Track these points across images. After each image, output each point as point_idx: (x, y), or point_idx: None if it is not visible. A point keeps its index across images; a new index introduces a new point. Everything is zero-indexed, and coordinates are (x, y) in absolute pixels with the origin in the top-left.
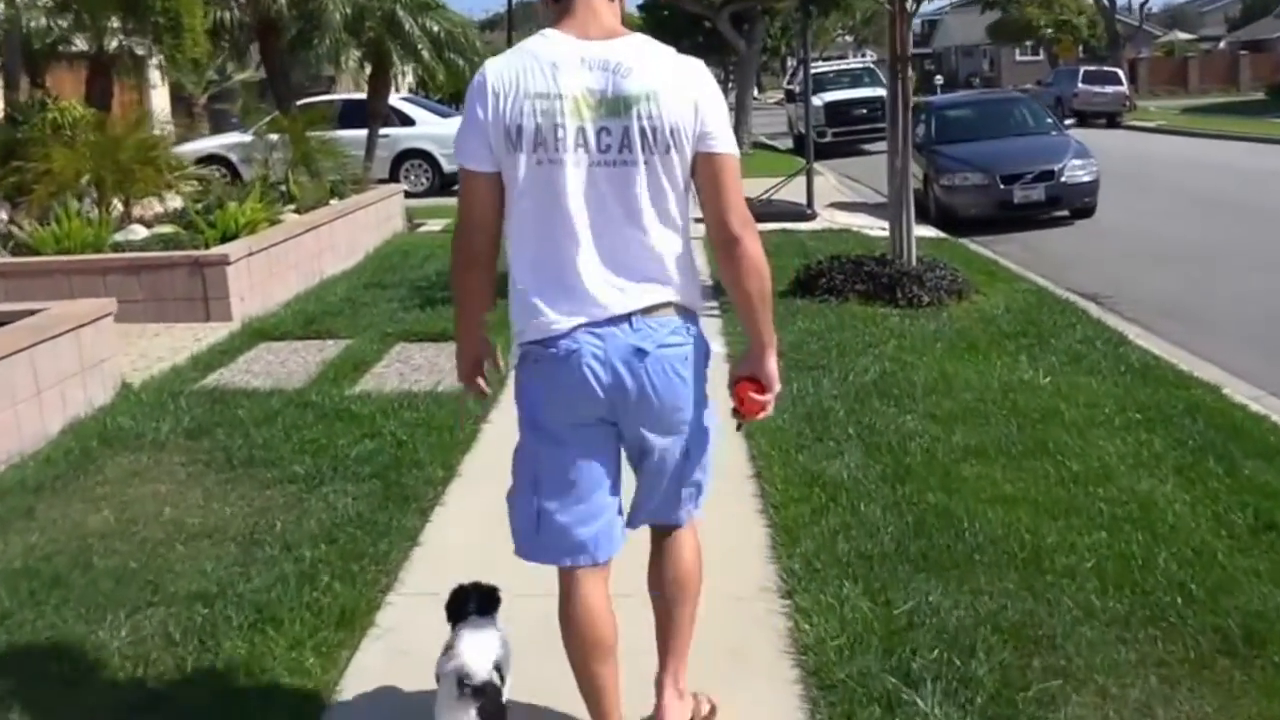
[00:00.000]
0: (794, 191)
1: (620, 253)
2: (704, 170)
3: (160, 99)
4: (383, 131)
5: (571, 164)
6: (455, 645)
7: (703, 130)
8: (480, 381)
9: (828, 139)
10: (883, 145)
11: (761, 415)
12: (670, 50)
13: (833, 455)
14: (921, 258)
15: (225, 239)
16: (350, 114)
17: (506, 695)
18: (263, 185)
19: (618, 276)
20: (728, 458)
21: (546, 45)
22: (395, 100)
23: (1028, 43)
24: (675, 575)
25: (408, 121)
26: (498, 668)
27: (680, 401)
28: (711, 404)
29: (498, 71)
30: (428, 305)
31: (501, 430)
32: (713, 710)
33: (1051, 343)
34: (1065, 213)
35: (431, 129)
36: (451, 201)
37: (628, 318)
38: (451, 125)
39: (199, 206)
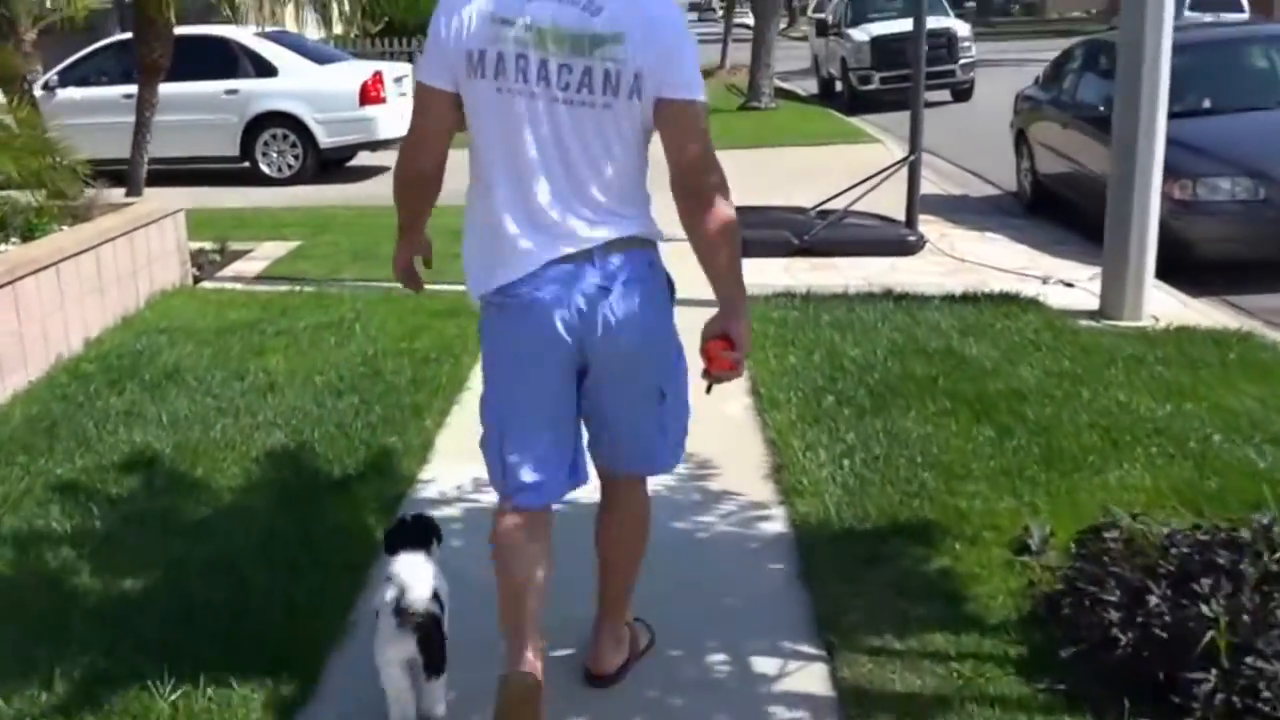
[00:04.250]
0: (880, 197)
1: (580, 190)
2: (667, 119)
3: None
4: (230, 86)
5: (531, 96)
6: (392, 575)
7: (670, 77)
8: (417, 275)
9: (873, 85)
10: (945, 95)
11: (731, 374)
12: None
13: None
14: None
15: None
16: (192, 58)
17: (446, 627)
18: None
19: (580, 214)
20: None
21: None
22: (248, 38)
23: None
24: (625, 532)
25: (266, 70)
26: (436, 597)
27: (647, 339)
28: (680, 345)
29: None
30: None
31: None
32: (651, 641)
33: None
34: None
35: (302, 82)
36: (328, 195)
37: (590, 255)
38: (333, 75)
39: None
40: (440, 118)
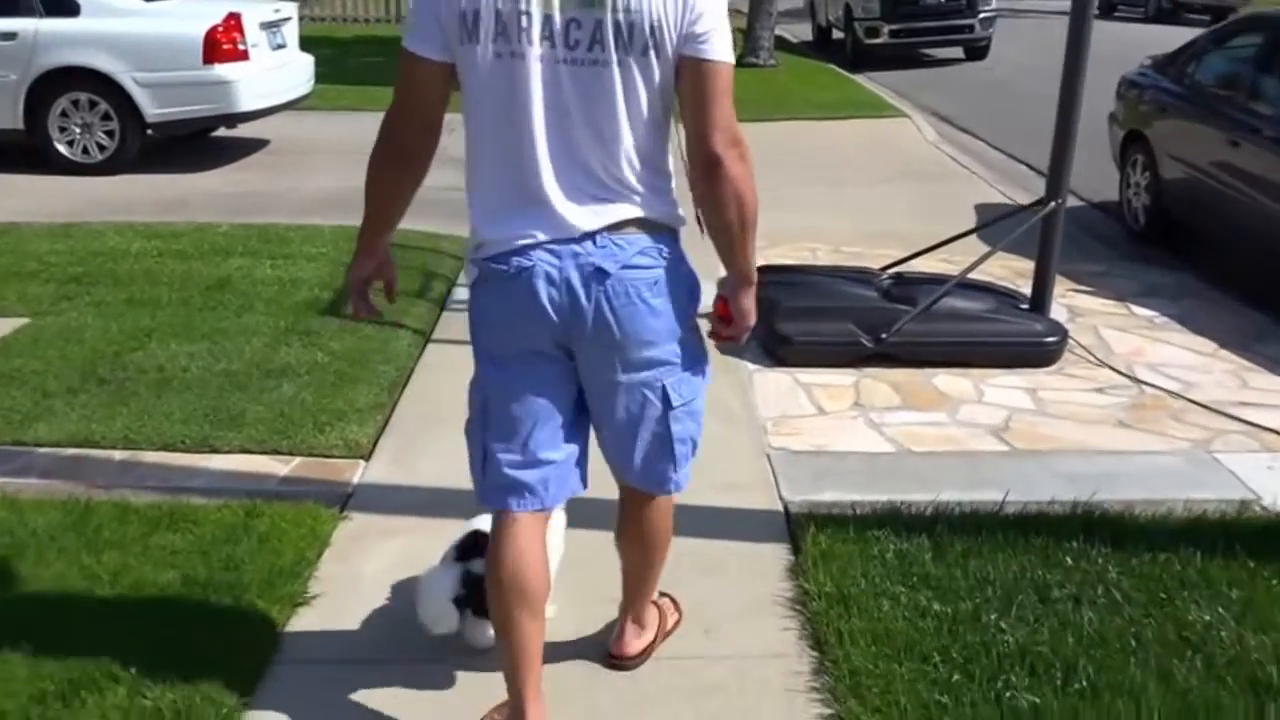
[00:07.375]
0: (924, 201)
1: (587, 163)
2: (688, 78)
3: None
4: (5, 28)
5: (535, 58)
6: (470, 525)
7: (691, 30)
8: (370, 300)
9: (881, 39)
10: (956, 52)
11: (731, 341)
12: None
13: None
14: None
15: None
16: None
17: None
18: None
19: (583, 189)
20: None
21: None
22: None
23: None
24: (643, 538)
25: (62, 6)
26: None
27: (648, 334)
28: (700, 346)
29: None
30: None
31: None
32: (679, 619)
33: None
34: None
35: (117, 24)
36: (152, 193)
37: (592, 235)
38: (164, 17)
39: None
40: (432, 89)
